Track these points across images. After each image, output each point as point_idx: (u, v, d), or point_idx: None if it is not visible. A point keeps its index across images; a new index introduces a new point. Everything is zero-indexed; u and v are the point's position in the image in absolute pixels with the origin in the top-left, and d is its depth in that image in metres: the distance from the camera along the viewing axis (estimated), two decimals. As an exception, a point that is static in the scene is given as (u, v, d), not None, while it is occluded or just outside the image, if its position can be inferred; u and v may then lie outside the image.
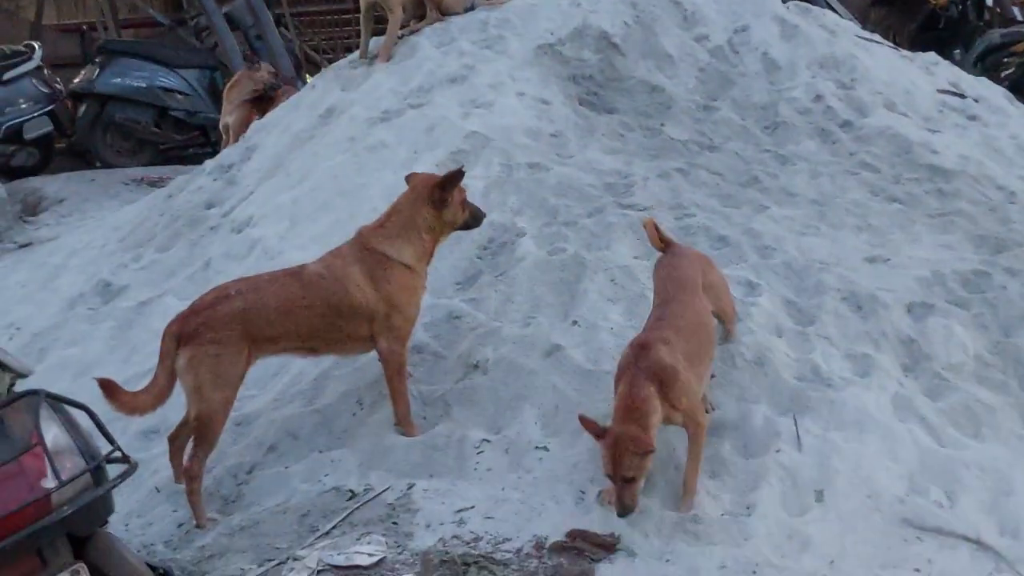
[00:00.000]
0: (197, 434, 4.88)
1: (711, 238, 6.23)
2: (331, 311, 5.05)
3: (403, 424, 5.19)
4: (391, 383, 5.16)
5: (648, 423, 4.38)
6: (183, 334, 4.85)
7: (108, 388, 4.72)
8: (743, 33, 8.32)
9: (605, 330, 5.54)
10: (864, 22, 13.46)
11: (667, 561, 4.35)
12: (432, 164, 6.72)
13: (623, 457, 4.31)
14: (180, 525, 4.95)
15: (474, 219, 5.36)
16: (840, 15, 9.84)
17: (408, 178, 5.37)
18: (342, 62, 8.70)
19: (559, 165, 6.88)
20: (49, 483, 3.21)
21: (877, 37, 9.31)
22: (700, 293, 4.96)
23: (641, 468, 4.34)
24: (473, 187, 6.51)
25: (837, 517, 4.57)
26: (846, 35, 8.68)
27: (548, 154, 7.02)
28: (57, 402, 3.41)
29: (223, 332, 4.84)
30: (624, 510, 4.37)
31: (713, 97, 7.83)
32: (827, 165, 7.25)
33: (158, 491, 5.16)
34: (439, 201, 5.16)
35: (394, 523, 4.69)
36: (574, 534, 4.51)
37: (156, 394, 4.83)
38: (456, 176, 5.18)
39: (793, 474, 4.72)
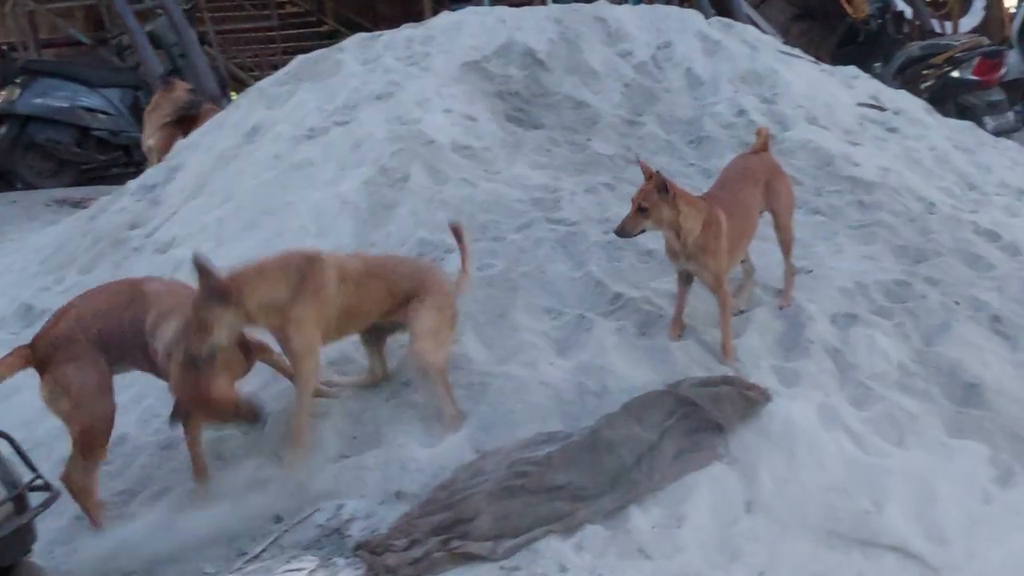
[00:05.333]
0: (84, 447, 4.80)
1: (639, 252, 6.25)
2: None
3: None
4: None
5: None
6: (37, 362, 4.84)
7: None
8: (667, 49, 8.39)
9: (533, 345, 5.54)
10: (786, 37, 13.67)
11: (599, 576, 4.36)
12: (359, 181, 6.71)
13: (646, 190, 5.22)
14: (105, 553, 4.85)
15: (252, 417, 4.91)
16: (762, 30, 9.97)
17: None
18: (266, 80, 8.64)
19: (487, 181, 6.89)
20: (-32, 513, 3.13)
21: (798, 52, 9.43)
22: (756, 188, 5.70)
23: (654, 205, 5.20)
24: (402, 203, 6.52)
25: (766, 528, 4.60)
26: (768, 50, 8.80)
27: (476, 170, 7.02)
28: (-23, 430, 3.33)
29: (71, 347, 4.80)
30: (622, 229, 5.27)
31: (638, 112, 7.88)
32: (751, 178, 7.31)
33: (79, 519, 5.06)
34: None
35: (324, 546, 4.65)
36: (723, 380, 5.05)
37: None
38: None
39: (723, 485, 4.74)
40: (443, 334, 5.25)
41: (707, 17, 9.08)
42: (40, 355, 4.86)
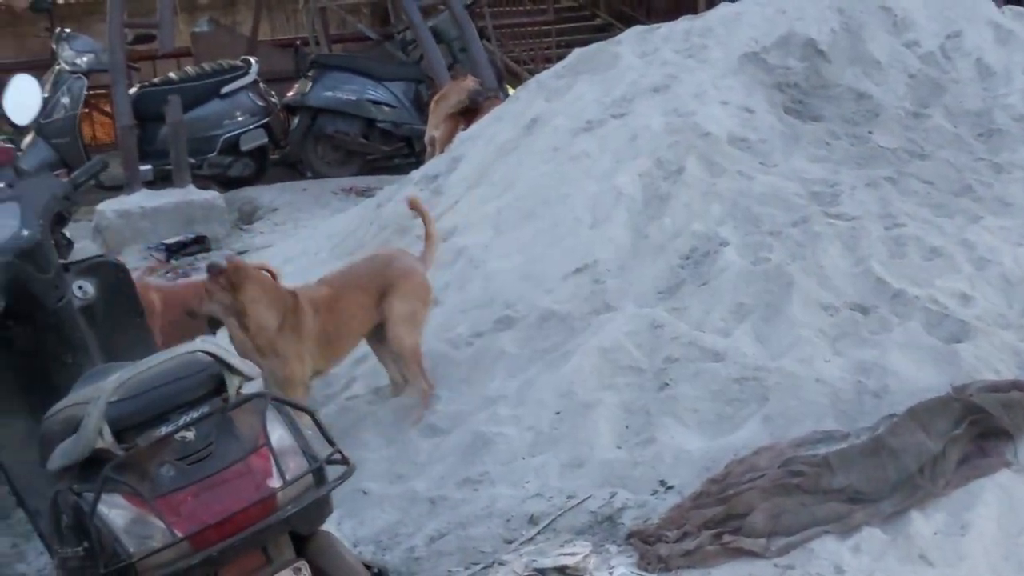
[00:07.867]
0: None
1: (922, 249, 6.06)
2: None
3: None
4: None
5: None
6: None
7: None
8: (956, 39, 8.07)
9: (809, 341, 5.45)
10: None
11: (876, 579, 4.27)
12: (635, 173, 6.76)
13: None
14: (388, 527, 5.09)
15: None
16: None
17: None
18: (545, 73, 8.80)
19: (763, 174, 6.81)
20: (275, 482, 3.31)
21: (1100, 40, 8.89)
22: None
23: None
24: (676, 196, 6.54)
25: (1058, 539, 4.40)
26: (1066, 38, 8.33)
27: (752, 163, 6.95)
28: (282, 404, 3.53)
29: None
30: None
31: (924, 104, 7.62)
32: (1046, 174, 6.98)
33: (365, 494, 5.31)
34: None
35: (597, 532, 4.73)
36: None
37: None
38: None
39: (1011, 494, 4.55)
40: (416, 317, 5.74)
41: (999, 5, 8.68)
42: None
